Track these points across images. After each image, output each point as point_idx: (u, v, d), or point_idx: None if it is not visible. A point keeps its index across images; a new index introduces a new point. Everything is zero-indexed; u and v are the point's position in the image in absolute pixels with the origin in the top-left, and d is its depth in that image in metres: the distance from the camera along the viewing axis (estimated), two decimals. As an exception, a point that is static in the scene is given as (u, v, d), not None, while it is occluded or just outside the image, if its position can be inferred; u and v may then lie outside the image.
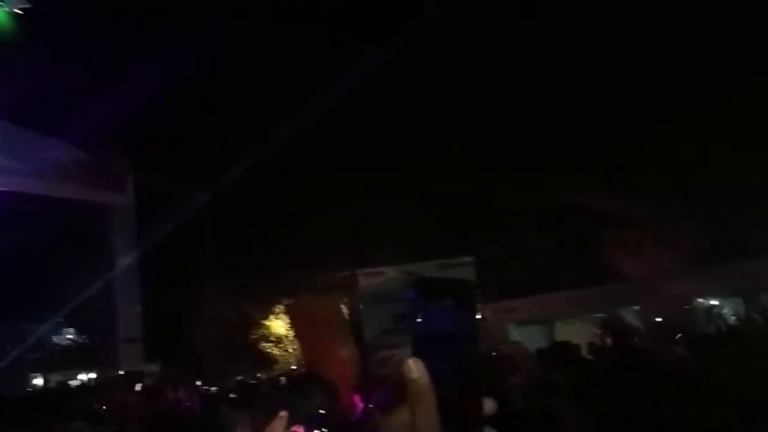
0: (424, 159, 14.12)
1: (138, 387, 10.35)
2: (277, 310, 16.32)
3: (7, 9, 13.42)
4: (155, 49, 12.65)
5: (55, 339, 15.62)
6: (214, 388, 12.84)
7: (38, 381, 14.69)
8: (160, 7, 12.93)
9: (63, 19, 12.64)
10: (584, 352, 5.43)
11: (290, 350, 16.08)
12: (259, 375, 15.70)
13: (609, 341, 5.87)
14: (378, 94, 13.77)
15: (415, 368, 0.56)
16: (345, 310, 10.27)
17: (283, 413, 0.98)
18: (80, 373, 14.61)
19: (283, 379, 9.70)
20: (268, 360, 16.34)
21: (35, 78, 11.63)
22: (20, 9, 13.54)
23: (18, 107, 11.58)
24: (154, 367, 14.18)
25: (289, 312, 11.66)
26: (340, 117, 13.84)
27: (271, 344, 16.56)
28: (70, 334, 15.23)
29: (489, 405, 0.58)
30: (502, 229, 13.78)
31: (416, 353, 0.57)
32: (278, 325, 16.48)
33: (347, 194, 13.63)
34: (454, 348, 0.58)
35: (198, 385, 13.10)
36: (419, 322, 0.57)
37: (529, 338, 9.95)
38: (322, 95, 13.04)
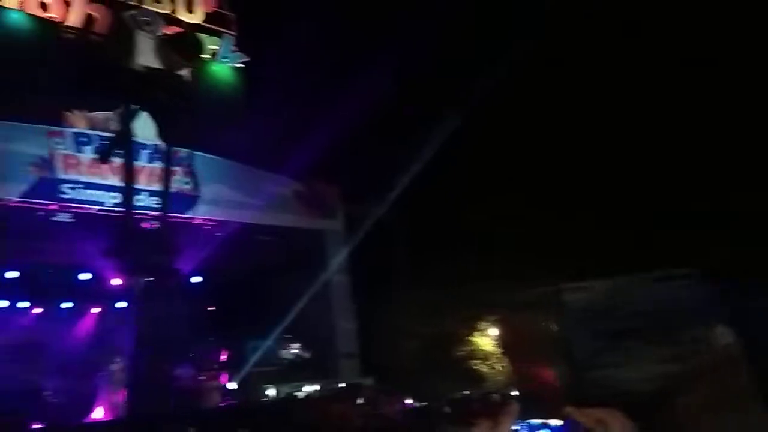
0: (636, 160, 13.19)
1: (359, 400, 11.11)
2: (482, 326, 16.35)
3: (230, 64, 15.70)
4: (351, 92, 13.75)
5: (284, 354, 17.21)
6: (425, 403, 13.19)
7: (271, 392, 16.34)
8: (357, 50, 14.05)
9: (277, 68, 14.35)
10: None
11: (498, 368, 15.96)
12: (466, 392, 15.76)
13: None
14: (573, 102, 13.32)
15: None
16: (550, 327, 9.91)
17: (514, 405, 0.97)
18: (305, 385, 15.95)
19: (495, 396, 9.62)
20: (476, 377, 16.35)
21: (257, 122, 13.33)
22: (241, 63, 15.74)
23: (246, 149, 13.37)
24: (369, 382, 15.03)
25: (495, 329, 11.58)
26: (535, 127, 13.60)
27: (478, 361, 16.57)
28: (295, 350, 16.75)
29: None
30: (731, 235, 12.19)
31: None
32: (484, 342, 16.47)
33: (547, 204, 13.26)
34: None
35: (410, 400, 13.57)
36: None
37: None
38: (511, 106, 12.97)
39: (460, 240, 15.36)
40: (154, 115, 12.22)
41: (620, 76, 13.89)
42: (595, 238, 12.68)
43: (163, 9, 15.18)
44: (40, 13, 13.44)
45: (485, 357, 16.42)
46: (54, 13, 13.60)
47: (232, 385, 14.93)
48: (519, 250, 13.44)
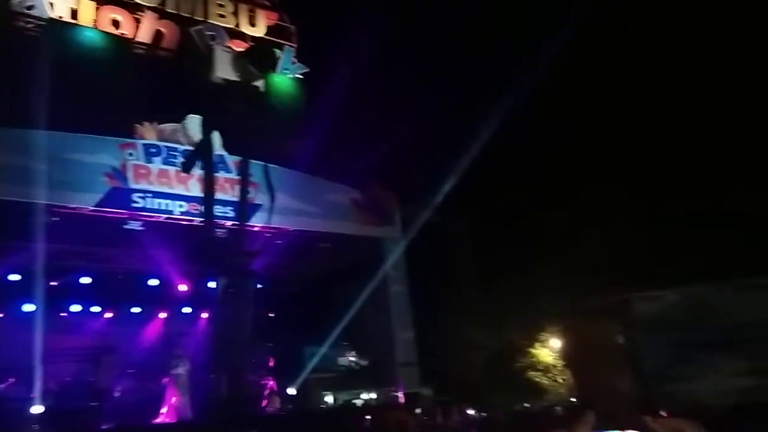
0: (717, 161, 12.66)
1: (417, 409, 11.03)
2: (543, 337, 15.98)
3: (291, 76, 16.01)
4: (408, 99, 13.79)
5: (342, 361, 17.30)
6: (484, 414, 12.97)
7: (329, 399, 16.44)
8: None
9: (334, 77, 14.53)
10: None
11: (560, 380, 15.53)
12: (526, 404, 15.42)
13: None
14: (644, 107, 12.92)
15: None
16: (619, 338, 9.59)
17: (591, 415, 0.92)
18: (363, 393, 15.98)
19: (558, 408, 9.37)
20: (537, 389, 15.98)
21: (316, 131, 13.52)
22: (301, 74, 16.03)
23: (306, 158, 13.57)
24: (427, 391, 14.92)
25: (559, 339, 11.28)
26: (606, 130, 13.25)
27: (538, 373, 16.19)
28: (353, 357, 16.81)
29: None
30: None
31: None
32: (545, 353, 16.09)
33: (616, 208, 12.86)
34: None
35: (470, 411, 13.37)
36: None
37: None
38: (577, 107, 12.68)
39: (523, 246, 15.09)
40: (222, 126, 12.57)
41: (704, 79, 13.39)
42: (669, 244, 12.19)
43: (227, 23, 15.69)
44: (112, 30, 14.09)
45: (547, 369, 16.03)
46: (125, 30, 14.24)
47: (291, 391, 15.10)
48: (586, 256, 13.05)
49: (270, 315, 16.24)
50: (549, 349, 16.11)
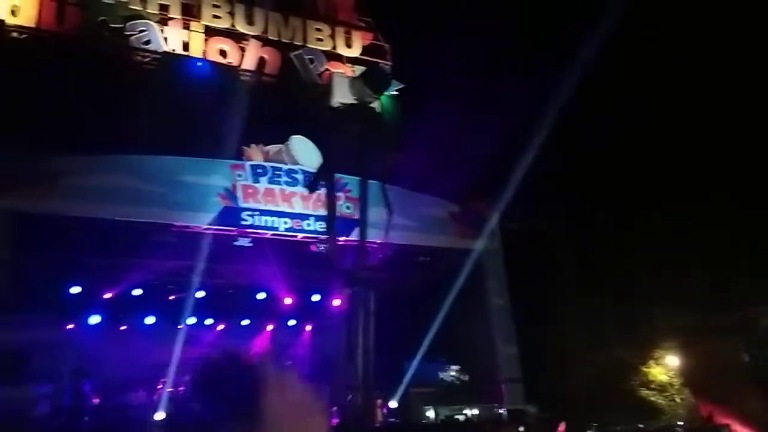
0: None
1: (521, 427, 10.70)
2: (659, 354, 15.02)
3: (387, 93, 16.28)
4: (504, 110, 13.58)
5: (443, 376, 17.14)
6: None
7: (430, 413, 16.32)
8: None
9: (430, 92, 14.62)
10: None
11: (678, 400, 14.51)
12: (641, 425, 14.52)
13: None
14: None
15: None
16: (744, 356, 8.80)
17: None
18: (465, 408, 15.71)
19: (678, 429, 8.75)
20: (651, 408, 15.00)
21: (414, 147, 13.62)
22: (397, 90, 16.25)
23: (403, 173, 13.70)
24: (532, 408, 14.44)
25: (676, 357, 10.56)
26: (716, 130, 12.37)
27: (653, 392, 15.21)
28: (454, 372, 16.62)
29: None
30: None
31: None
32: (659, 371, 15.11)
33: (739, 214, 11.91)
34: None
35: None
36: None
37: None
38: (684, 110, 11.92)
39: (633, 256, 14.33)
40: (328, 146, 13.03)
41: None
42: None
43: (325, 46, 16.28)
44: (220, 59, 15.04)
45: (662, 388, 15.03)
46: (232, 59, 15.15)
47: (393, 404, 15.15)
48: (705, 267, 12.18)
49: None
50: (664, 367, 15.12)
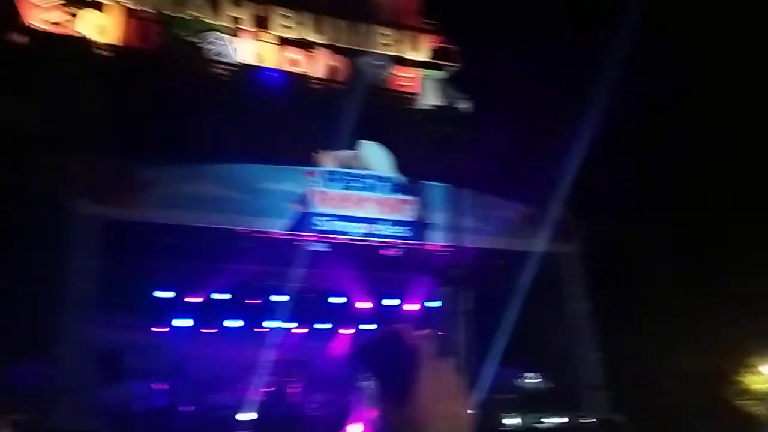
0: None
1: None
2: (755, 362, 13.97)
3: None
4: (581, 110, 13.12)
5: (522, 383, 16.64)
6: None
7: (509, 421, 15.88)
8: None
9: (503, 93, 14.35)
10: None
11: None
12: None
13: None
14: None
15: None
16: None
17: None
18: (547, 416, 15.18)
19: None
20: (751, 419, 13.96)
21: (486, 148, 13.41)
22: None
23: (479, 177, 13.50)
24: (619, 418, 13.76)
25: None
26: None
27: (752, 402, 14.15)
28: (534, 379, 16.12)
29: None
30: None
31: None
32: (759, 379, 14.05)
33: None
34: None
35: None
36: None
37: None
38: None
39: (724, 258, 13.45)
40: (398, 149, 13.19)
41: None
42: None
43: (392, 51, 16.34)
44: (291, 68, 15.40)
45: (763, 397, 13.96)
46: (303, 68, 15.49)
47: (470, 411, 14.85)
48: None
49: (441, 333, 16.27)
50: (764, 376, 14.05)
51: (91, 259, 10.98)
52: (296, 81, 15.26)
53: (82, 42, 13.47)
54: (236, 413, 11.87)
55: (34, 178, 10.85)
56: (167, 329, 13.87)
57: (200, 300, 13.82)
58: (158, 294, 13.23)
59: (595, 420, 13.34)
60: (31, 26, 13.08)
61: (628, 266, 14.23)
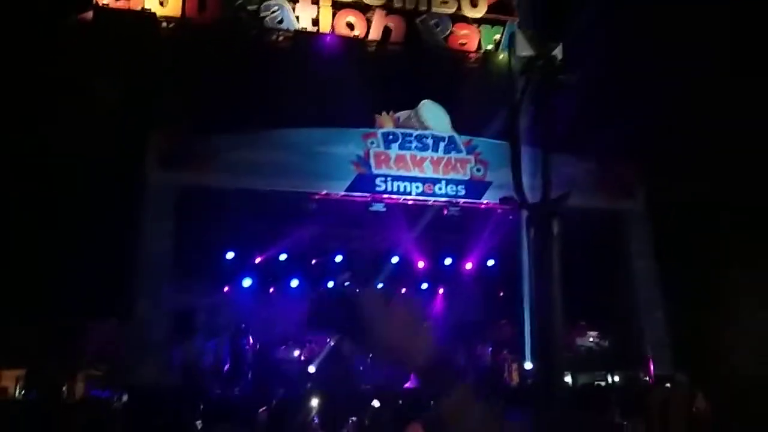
0: None
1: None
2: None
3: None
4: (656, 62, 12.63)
5: (581, 341, 16.61)
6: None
7: (567, 379, 15.93)
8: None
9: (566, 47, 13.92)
10: None
11: None
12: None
13: None
14: None
15: None
16: None
17: None
18: (607, 374, 15.16)
19: None
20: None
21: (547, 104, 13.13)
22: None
23: (538, 133, 13.28)
24: (681, 377, 13.60)
25: None
26: None
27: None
28: (594, 337, 16.06)
29: None
30: None
31: None
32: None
33: None
34: None
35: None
36: None
37: None
38: None
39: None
40: (455, 107, 13.16)
41: None
42: None
43: (449, 9, 16.08)
44: (347, 32, 15.44)
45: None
46: (358, 31, 15.49)
47: (528, 366, 15.01)
48: None
49: (501, 293, 16.38)
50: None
51: (165, 223, 11.60)
52: (354, 44, 15.31)
53: (146, 15, 13.91)
54: (302, 367, 12.49)
55: (113, 149, 11.49)
56: (235, 289, 14.54)
57: (266, 261, 14.38)
58: (227, 256, 13.84)
59: (650, 379, 13.27)
60: (97, 2, 13.61)
61: (700, 228, 13.81)
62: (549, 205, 3.11)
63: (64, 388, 13.31)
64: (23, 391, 14.01)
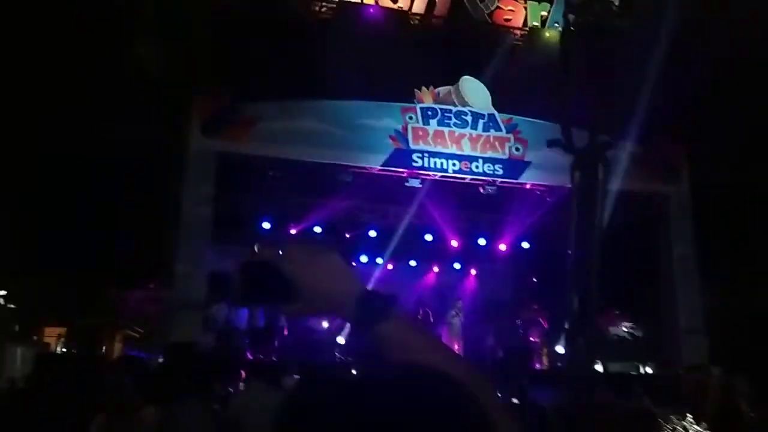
0: None
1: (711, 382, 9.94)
2: None
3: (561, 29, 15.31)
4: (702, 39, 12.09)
5: (614, 330, 16.35)
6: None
7: (598, 367, 15.70)
8: None
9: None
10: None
11: None
12: None
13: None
14: None
15: None
16: None
17: None
18: (639, 364, 14.93)
19: None
20: None
21: (591, 84, 12.76)
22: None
23: (580, 113, 12.94)
24: (715, 369, 13.29)
25: None
26: None
27: None
28: (628, 326, 15.80)
29: None
30: None
31: None
32: None
33: None
34: None
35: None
36: None
37: None
38: None
39: None
40: (494, 85, 12.91)
41: None
42: None
43: (495, -20, 15.62)
44: (391, 4, 15.20)
45: None
46: (402, 4, 15.23)
47: (559, 349, 14.89)
48: None
49: (537, 275, 16.22)
50: None
51: (205, 189, 11.80)
52: (397, 16, 15.08)
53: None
54: (332, 336, 12.69)
55: (157, 114, 11.69)
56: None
57: (302, 231, 14.52)
58: (263, 225, 14.01)
59: (684, 369, 12.98)
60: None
61: (742, 210, 13.36)
62: (595, 150, 3.03)
63: (102, 347, 13.81)
64: (63, 348, 14.61)
